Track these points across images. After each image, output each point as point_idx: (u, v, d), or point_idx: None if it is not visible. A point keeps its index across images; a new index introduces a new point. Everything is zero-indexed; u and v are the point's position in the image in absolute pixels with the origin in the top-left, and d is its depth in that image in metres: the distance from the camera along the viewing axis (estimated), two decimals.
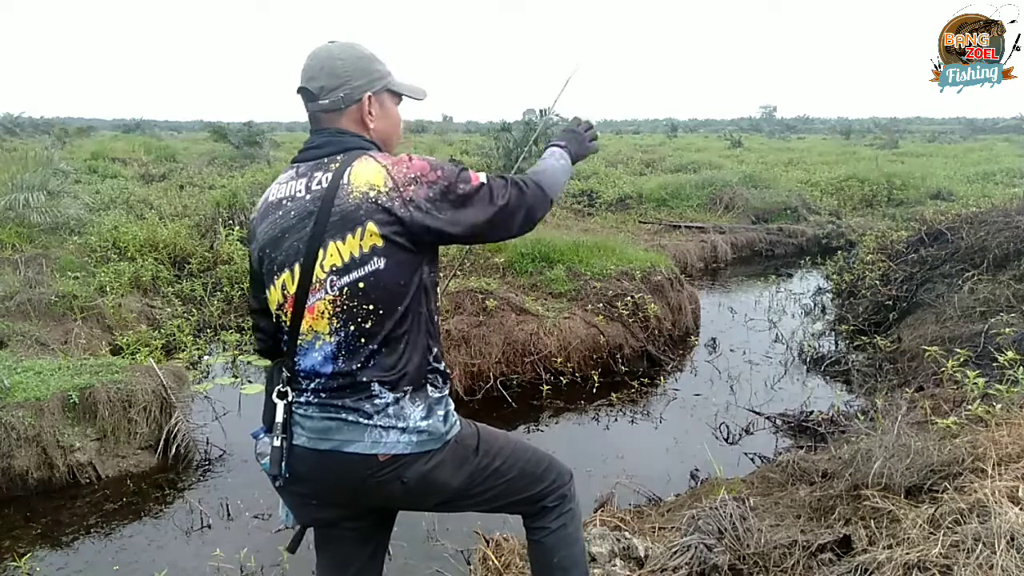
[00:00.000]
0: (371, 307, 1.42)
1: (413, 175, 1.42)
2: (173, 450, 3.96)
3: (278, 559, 3.02)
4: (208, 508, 3.50)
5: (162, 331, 5.91)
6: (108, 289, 6.17)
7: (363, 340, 1.44)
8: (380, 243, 1.39)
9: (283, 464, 1.47)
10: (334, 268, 1.40)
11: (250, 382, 5.23)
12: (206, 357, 5.71)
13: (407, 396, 1.45)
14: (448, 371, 1.58)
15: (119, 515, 3.50)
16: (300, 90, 1.53)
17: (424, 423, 1.46)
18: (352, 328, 1.44)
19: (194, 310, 6.53)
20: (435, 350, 1.52)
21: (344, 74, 1.48)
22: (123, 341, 5.50)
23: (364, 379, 1.44)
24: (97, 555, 3.19)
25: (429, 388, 1.49)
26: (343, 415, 1.45)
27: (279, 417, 1.47)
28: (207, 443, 4.16)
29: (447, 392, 1.55)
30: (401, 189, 1.40)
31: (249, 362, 5.60)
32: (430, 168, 1.43)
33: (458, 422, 1.55)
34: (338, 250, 1.39)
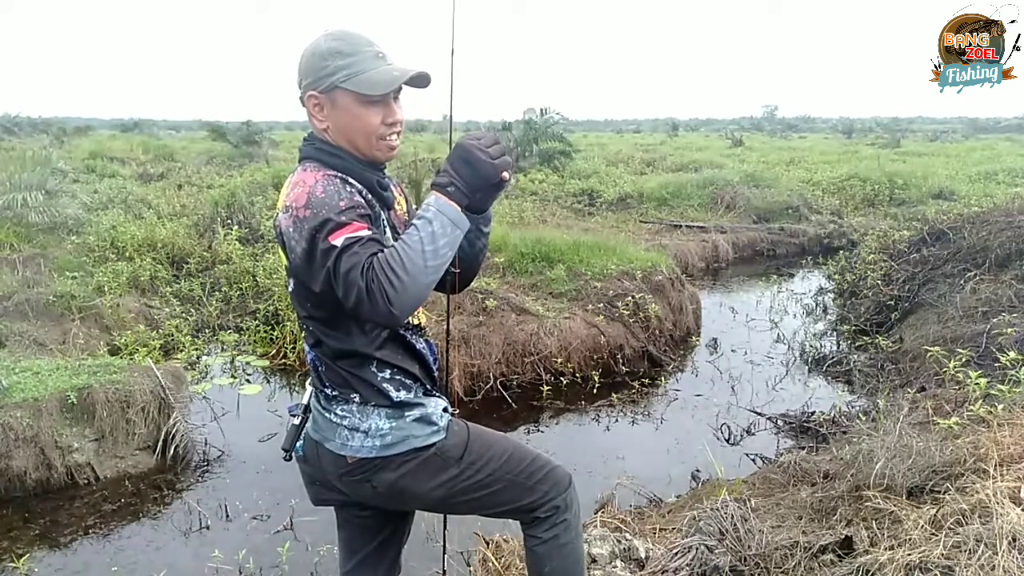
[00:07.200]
0: (302, 312, 1.47)
1: (289, 203, 1.32)
2: (171, 451, 3.95)
3: (277, 560, 3.01)
4: (207, 509, 3.49)
5: (160, 331, 5.89)
6: (106, 289, 6.15)
7: (311, 342, 1.49)
8: (286, 262, 1.40)
9: (294, 442, 1.55)
10: (286, 268, 1.44)
11: (248, 382, 5.22)
12: (204, 357, 5.70)
13: (365, 403, 1.45)
14: (422, 379, 1.52)
15: (117, 516, 3.49)
16: None
17: (387, 427, 1.45)
18: (307, 328, 1.48)
19: (192, 310, 6.51)
20: (392, 368, 1.45)
21: (300, 74, 1.42)
22: (121, 341, 5.48)
23: (325, 380, 1.49)
24: (95, 556, 3.17)
25: (392, 395, 1.45)
26: (324, 412, 1.50)
27: (305, 399, 1.56)
28: (205, 444, 4.14)
29: (426, 398, 1.51)
30: (282, 215, 1.34)
31: (248, 362, 5.59)
32: (305, 203, 1.28)
33: (442, 430, 1.50)
34: (284, 257, 1.42)
